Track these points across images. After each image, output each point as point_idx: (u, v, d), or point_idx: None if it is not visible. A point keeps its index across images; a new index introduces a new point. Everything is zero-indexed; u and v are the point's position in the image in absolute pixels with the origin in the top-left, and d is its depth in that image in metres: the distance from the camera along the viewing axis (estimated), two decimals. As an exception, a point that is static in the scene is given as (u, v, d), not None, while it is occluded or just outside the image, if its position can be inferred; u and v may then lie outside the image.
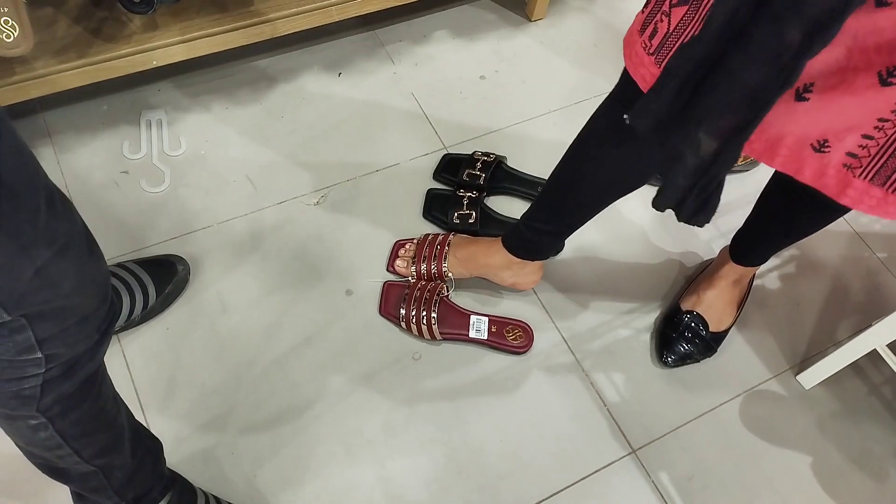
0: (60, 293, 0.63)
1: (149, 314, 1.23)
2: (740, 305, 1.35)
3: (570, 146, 1.07)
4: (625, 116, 0.77)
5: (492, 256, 1.27)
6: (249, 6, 1.37)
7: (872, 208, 0.78)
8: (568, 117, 1.59)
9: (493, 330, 1.28)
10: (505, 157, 1.50)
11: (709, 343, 1.30)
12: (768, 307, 1.40)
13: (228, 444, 1.16)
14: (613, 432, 1.23)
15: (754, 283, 1.39)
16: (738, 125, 0.71)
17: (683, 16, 0.76)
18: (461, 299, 1.32)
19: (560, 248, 1.37)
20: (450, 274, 1.30)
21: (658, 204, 0.85)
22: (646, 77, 0.82)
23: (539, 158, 1.51)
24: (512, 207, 1.45)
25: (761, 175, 1.52)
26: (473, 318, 1.29)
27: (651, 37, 0.80)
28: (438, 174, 1.47)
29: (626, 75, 0.88)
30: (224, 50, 1.39)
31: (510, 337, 1.28)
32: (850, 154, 0.75)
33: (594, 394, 1.27)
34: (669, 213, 0.86)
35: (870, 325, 1.18)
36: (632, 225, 1.46)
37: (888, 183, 0.75)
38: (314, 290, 1.31)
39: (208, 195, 1.40)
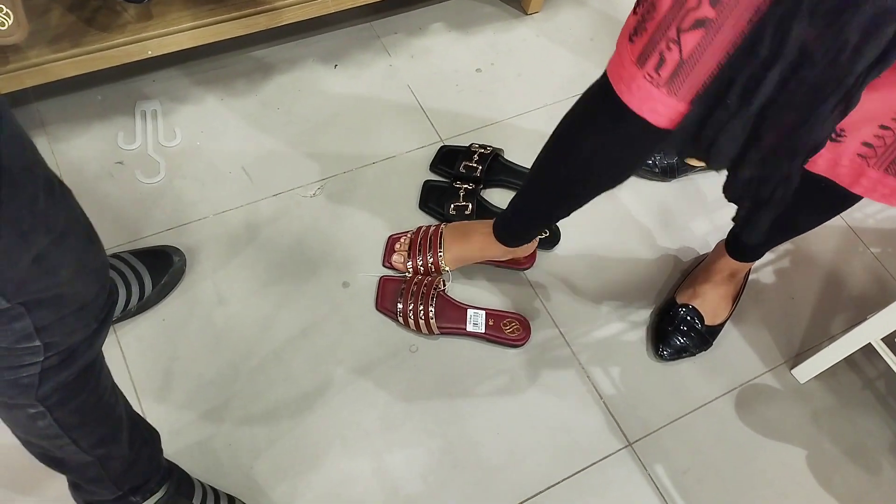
0: (59, 281, 0.63)
1: (145, 305, 1.23)
2: (736, 299, 1.36)
3: (551, 135, 1.05)
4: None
5: (486, 251, 1.28)
6: (246, -4, 1.37)
7: (886, 196, 0.80)
8: (564, 110, 1.57)
9: (490, 323, 1.28)
10: (502, 150, 1.49)
11: (704, 337, 1.31)
12: (763, 301, 1.40)
13: (225, 435, 1.16)
14: (610, 425, 1.24)
15: (749, 277, 1.40)
16: (797, 122, 0.70)
17: (700, 40, 0.71)
18: (458, 293, 1.32)
19: (556, 232, 1.37)
20: (446, 268, 1.30)
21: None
22: (658, 109, 0.78)
23: (535, 151, 1.49)
24: (508, 200, 1.44)
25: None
26: (470, 311, 1.29)
27: (657, 68, 0.75)
28: (435, 166, 1.47)
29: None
30: (219, 40, 1.38)
31: (507, 330, 1.28)
32: (865, 144, 0.76)
33: (590, 387, 1.27)
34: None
35: (864, 320, 1.19)
36: (628, 219, 1.46)
37: None
38: (311, 281, 1.31)
39: (204, 186, 1.39)
